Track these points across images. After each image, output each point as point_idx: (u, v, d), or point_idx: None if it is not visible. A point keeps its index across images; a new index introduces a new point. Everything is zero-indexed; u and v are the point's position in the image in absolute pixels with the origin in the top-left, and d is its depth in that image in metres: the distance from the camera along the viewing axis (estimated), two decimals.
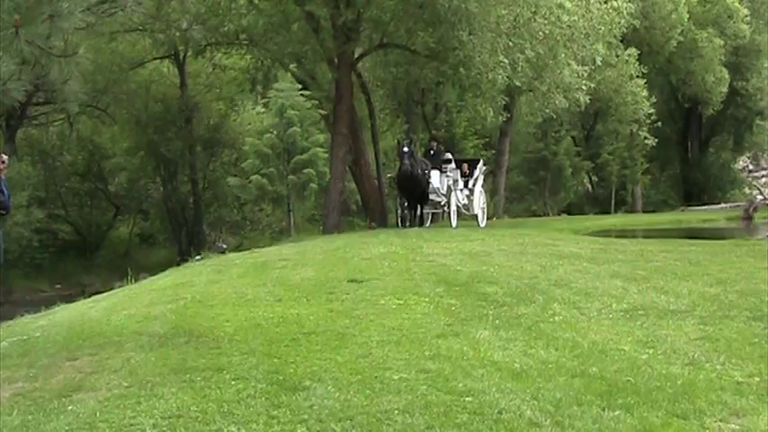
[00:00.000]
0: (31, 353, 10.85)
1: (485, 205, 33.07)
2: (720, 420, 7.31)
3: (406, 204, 30.26)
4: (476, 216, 31.70)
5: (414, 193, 29.20)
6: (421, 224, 29.87)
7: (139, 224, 53.28)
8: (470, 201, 31.44)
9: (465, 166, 31.73)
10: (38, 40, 8.62)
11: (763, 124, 62.95)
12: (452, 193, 30.23)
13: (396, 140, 32.23)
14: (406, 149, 28.35)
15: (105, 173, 51.35)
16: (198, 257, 24.79)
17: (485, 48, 29.57)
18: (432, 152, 30.81)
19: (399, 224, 30.65)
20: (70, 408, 8.00)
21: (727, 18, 55.66)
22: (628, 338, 10.26)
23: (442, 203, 30.74)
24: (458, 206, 30.67)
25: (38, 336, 12.21)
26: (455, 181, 30.61)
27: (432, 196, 30.04)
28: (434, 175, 29.74)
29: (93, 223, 51.16)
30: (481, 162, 33.39)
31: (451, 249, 19.86)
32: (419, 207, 30.01)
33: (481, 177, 32.52)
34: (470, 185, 31.45)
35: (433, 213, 32.25)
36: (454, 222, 30.02)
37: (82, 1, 8.71)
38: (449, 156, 32.01)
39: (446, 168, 30.56)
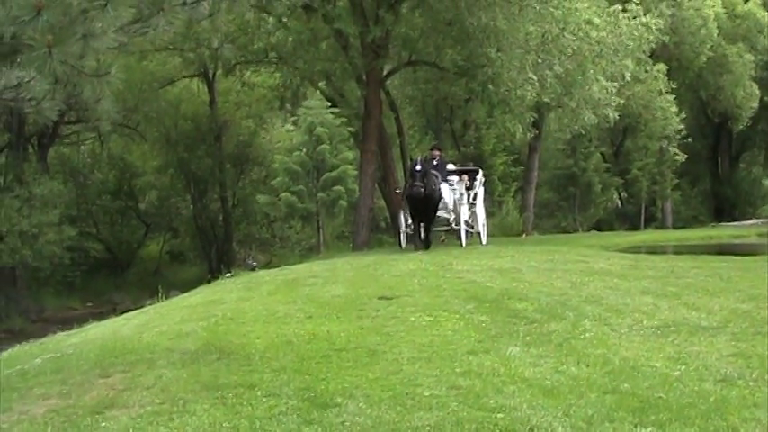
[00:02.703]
0: (64, 370, 10.91)
1: (485, 220, 29.94)
2: None
3: (410, 222, 27.00)
4: (478, 234, 28.48)
5: (424, 211, 25.83)
6: (427, 246, 26.15)
7: (170, 242, 53.64)
8: (474, 216, 28.37)
9: (465, 177, 28.75)
10: (71, 59, 8.69)
11: None
12: (459, 209, 27.25)
13: (410, 158, 30.65)
14: (419, 168, 25.20)
15: (136, 191, 51.79)
16: (228, 275, 24.87)
17: (513, 64, 29.55)
18: (435, 163, 27.05)
19: (401, 244, 27.55)
20: (103, 424, 8.04)
21: (757, 33, 55.45)
22: (659, 355, 10.22)
23: (450, 220, 27.32)
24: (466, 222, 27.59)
25: (71, 353, 12.28)
26: (461, 194, 27.74)
27: (440, 212, 26.76)
28: (444, 190, 26.71)
29: (123, 241, 51.63)
30: (480, 173, 30.03)
31: (481, 266, 19.81)
32: (428, 227, 26.47)
33: (481, 189, 29.32)
34: (471, 199, 28.41)
35: (444, 231, 28.71)
36: (464, 241, 27.08)
37: (114, 21, 8.77)
38: (452, 166, 29.42)
39: (451, 181, 27.64)
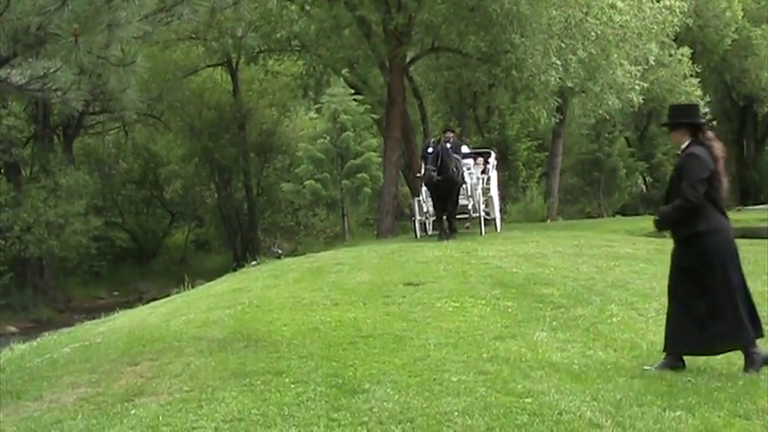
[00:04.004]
0: (93, 358, 10.98)
1: (500, 205, 28.59)
2: None
3: (425, 210, 26.11)
4: (494, 220, 26.99)
5: (445, 197, 24.18)
6: (450, 233, 24.56)
7: (195, 231, 53.83)
8: (490, 201, 26.71)
9: (480, 160, 27.58)
10: (96, 49, 8.72)
11: None
12: (477, 194, 25.84)
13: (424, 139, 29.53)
14: (430, 150, 23.67)
15: (161, 180, 51.99)
16: (254, 263, 24.93)
17: (537, 50, 29.44)
18: (448, 146, 24.90)
19: (417, 233, 26.15)
20: (133, 412, 8.09)
21: None
22: None
23: (469, 207, 25.89)
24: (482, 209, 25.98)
25: (99, 341, 12.36)
26: (478, 179, 26.47)
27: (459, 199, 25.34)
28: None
29: (149, 230, 51.90)
30: (493, 155, 28.60)
31: (506, 251, 19.80)
32: (449, 214, 24.84)
33: (494, 173, 27.65)
34: (485, 183, 26.83)
35: (464, 219, 27.04)
36: (483, 229, 25.61)
37: (139, 10, 8.81)
38: (465, 149, 27.74)
39: (468, 165, 26.29)
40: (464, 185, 25.19)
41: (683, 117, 9.40)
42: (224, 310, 13.84)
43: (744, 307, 8.87)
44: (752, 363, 8.68)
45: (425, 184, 24.99)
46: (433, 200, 24.96)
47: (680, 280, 9.03)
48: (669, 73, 45.21)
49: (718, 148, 9.10)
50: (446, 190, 23.92)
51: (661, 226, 9.33)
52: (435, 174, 23.31)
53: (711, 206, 8.94)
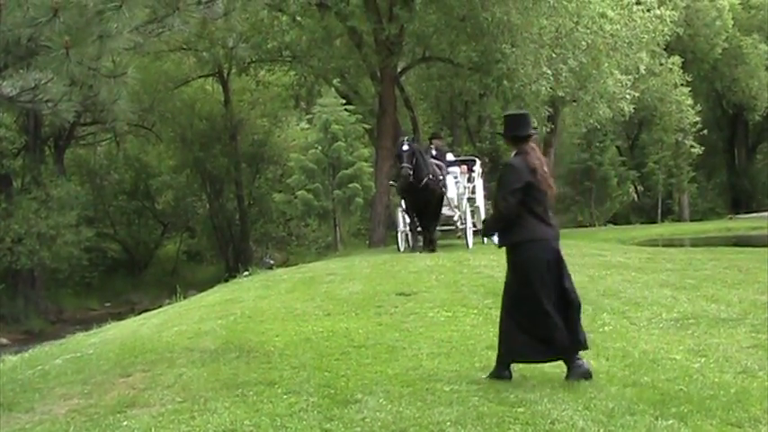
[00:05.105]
0: (85, 370, 10.95)
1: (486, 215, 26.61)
2: None
3: (408, 221, 24.20)
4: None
5: (423, 206, 22.90)
6: (431, 248, 22.94)
7: (186, 241, 53.79)
8: (477, 212, 25.48)
9: (464, 167, 26.51)
10: (87, 60, 8.72)
11: None
12: (463, 204, 24.95)
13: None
14: (405, 148, 22.13)
15: (152, 191, 51.94)
16: (246, 273, 24.91)
17: (528, 59, 29.48)
18: (433, 153, 24.40)
19: (400, 246, 24.73)
20: (125, 423, 8.06)
21: None
22: (679, 347, 10.21)
23: (455, 218, 24.97)
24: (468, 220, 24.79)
25: (91, 353, 12.33)
26: (465, 188, 25.59)
27: (444, 209, 24.02)
28: (449, 183, 24.38)
29: (140, 241, 51.82)
30: (478, 163, 27.88)
31: (499, 261, 19.66)
32: (429, 226, 23.41)
33: (480, 182, 26.89)
34: (470, 193, 26.04)
35: (450, 230, 26.15)
36: (471, 242, 24.34)
37: (130, 21, 8.80)
38: (451, 156, 26.84)
39: (455, 173, 25.34)
40: (447, 195, 24.11)
41: (508, 128, 9.45)
42: (216, 321, 13.81)
43: (563, 318, 8.97)
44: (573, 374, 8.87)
45: (402, 191, 23.38)
46: (408, 207, 23.56)
47: (507, 288, 9.23)
48: (660, 82, 45.42)
49: (535, 157, 9.05)
50: (423, 198, 22.75)
51: (484, 234, 9.52)
52: (411, 173, 21.98)
53: (530, 216, 8.92)
